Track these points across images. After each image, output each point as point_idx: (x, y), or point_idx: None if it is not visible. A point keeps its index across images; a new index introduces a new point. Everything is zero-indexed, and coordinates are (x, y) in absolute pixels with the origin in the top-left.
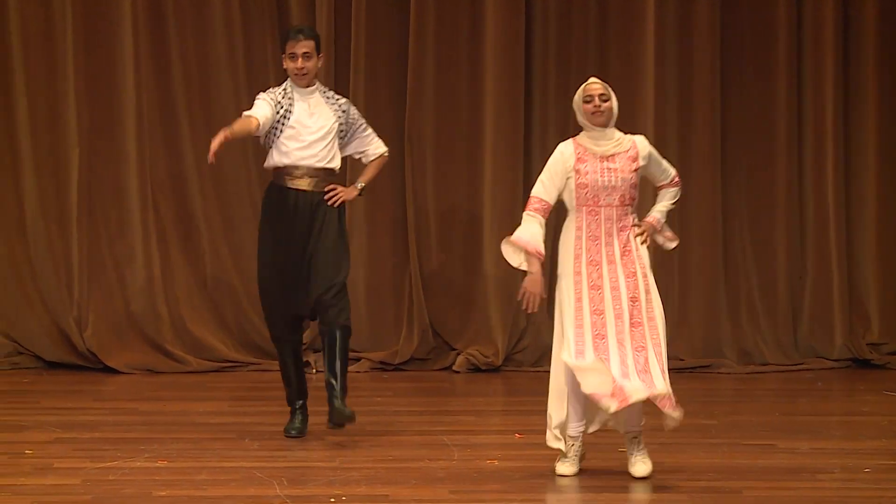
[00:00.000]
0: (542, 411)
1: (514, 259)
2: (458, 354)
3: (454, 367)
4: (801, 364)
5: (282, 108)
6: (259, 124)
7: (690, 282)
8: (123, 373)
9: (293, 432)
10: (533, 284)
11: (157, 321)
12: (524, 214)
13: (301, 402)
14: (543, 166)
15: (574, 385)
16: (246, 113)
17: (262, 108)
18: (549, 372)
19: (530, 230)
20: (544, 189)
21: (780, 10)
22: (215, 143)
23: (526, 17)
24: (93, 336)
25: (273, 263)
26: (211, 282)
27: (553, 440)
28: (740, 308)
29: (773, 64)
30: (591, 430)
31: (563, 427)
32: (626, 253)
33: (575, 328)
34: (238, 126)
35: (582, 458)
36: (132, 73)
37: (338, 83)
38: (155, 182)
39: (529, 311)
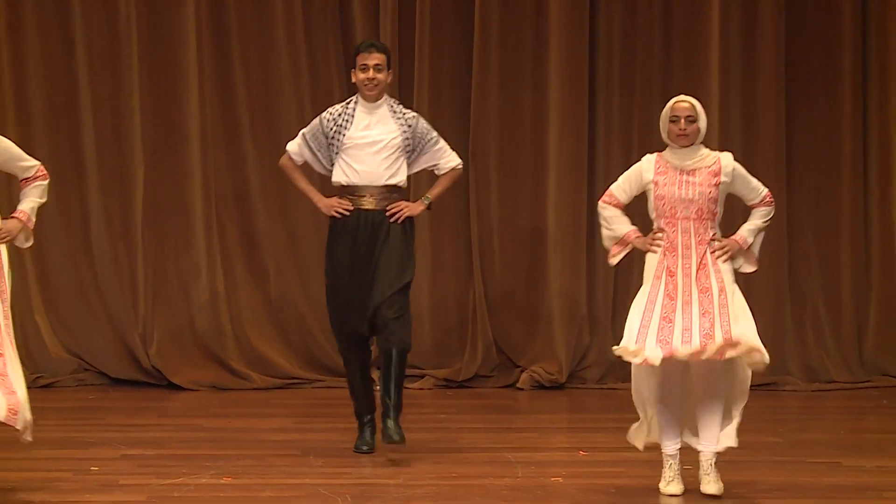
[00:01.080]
0: (607, 428)
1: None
2: (522, 371)
3: (518, 385)
4: (867, 381)
5: (335, 124)
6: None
7: (755, 298)
8: (188, 389)
9: (364, 448)
10: (640, 240)
11: (222, 338)
12: (600, 203)
13: (369, 416)
14: (607, 182)
15: (662, 400)
16: (291, 155)
17: (298, 150)
18: (613, 389)
19: (616, 215)
20: (619, 188)
21: (846, 25)
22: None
23: (590, 32)
24: (157, 353)
25: (339, 280)
26: (275, 298)
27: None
28: (805, 325)
29: (839, 79)
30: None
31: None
32: (702, 267)
33: (640, 327)
34: (303, 181)
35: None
36: (196, 91)
37: (402, 99)
38: (219, 199)
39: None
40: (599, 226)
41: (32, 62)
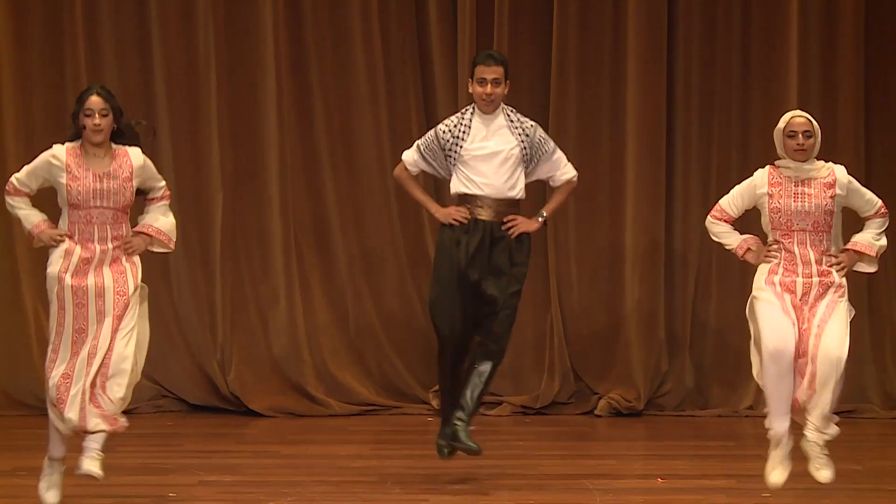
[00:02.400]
0: (685, 455)
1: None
2: (600, 398)
3: (596, 412)
4: None
5: (452, 136)
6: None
7: None
8: (266, 416)
9: (442, 442)
10: (752, 255)
11: (300, 364)
12: (708, 218)
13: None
14: (685, 207)
15: (774, 381)
16: (406, 165)
17: (413, 161)
18: (691, 416)
19: (726, 230)
20: (730, 202)
21: None
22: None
23: (668, 55)
24: (235, 379)
25: (446, 283)
26: (353, 325)
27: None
28: (885, 351)
29: None
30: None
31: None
32: (819, 279)
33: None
34: (419, 191)
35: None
36: (275, 117)
37: None
38: (298, 225)
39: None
40: (678, 252)
41: (112, 89)
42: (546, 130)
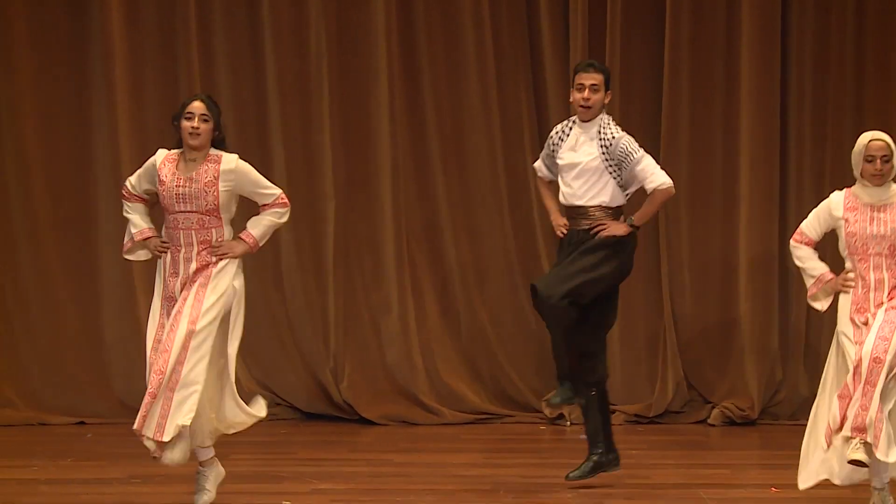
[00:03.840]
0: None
1: (821, 304)
2: (714, 407)
3: (709, 421)
4: None
5: (552, 143)
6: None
7: None
8: (379, 424)
9: (556, 399)
10: (832, 284)
11: (412, 372)
12: (791, 242)
13: (567, 382)
14: (799, 215)
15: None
16: (537, 171)
17: (539, 166)
18: (805, 425)
19: (807, 255)
20: (809, 225)
21: None
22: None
23: (782, 65)
24: (348, 387)
25: None
26: (465, 332)
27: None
28: None
29: None
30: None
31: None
32: (892, 303)
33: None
34: (547, 198)
35: None
36: (387, 125)
37: None
38: (410, 233)
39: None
40: (792, 261)
41: (225, 97)
42: (658, 137)
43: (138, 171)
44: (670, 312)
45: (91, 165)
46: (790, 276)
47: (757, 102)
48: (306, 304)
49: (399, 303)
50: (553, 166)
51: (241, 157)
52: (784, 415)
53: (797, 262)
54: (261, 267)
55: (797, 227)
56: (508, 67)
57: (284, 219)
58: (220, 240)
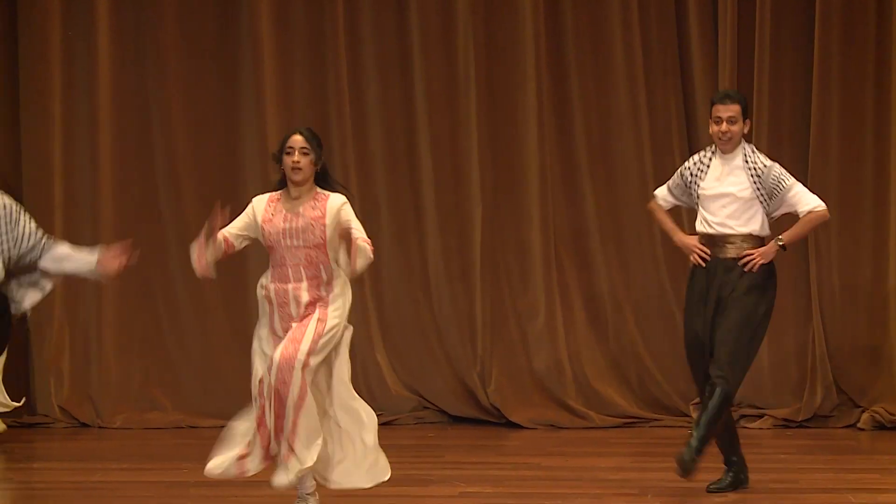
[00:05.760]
0: None
1: None
2: (863, 411)
3: (859, 425)
4: None
5: (690, 175)
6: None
7: None
8: (526, 427)
9: (711, 486)
10: None
11: (560, 376)
12: None
13: (732, 457)
14: None
15: None
16: (658, 200)
17: (663, 196)
18: None
19: None
20: None
21: None
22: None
23: None
24: (496, 391)
25: (691, 325)
26: (612, 336)
27: None
28: None
29: None
30: None
31: None
32: None
33: None
34: (667, 223)
35: None
36: (535, 130)
37: None
38: (557, 237)
39: None
40: None
41: (372, 102)
42: (807, 141)
43: (235, 221)
44: (819, 316)
45: (240, 170)
46: None
47: None
48: (453, 308)
49: (546, 307)
50: (683, 195)
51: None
52: None
53: None
54: (408, 271)
55: None
56: (657, 72)
57: (369, 258)
58: (329, 278)
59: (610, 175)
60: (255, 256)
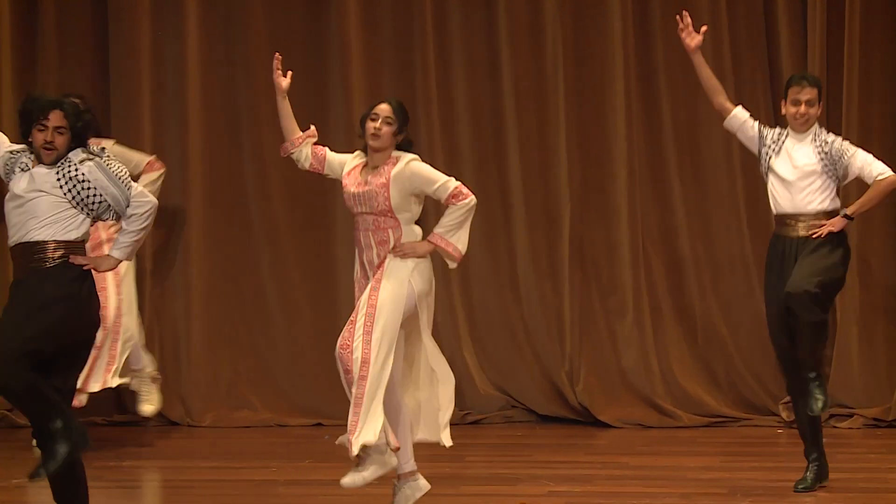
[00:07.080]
0: None
1: None
2: None
3: None
4: None
5: (765, 145)
6: None
7: None
8: (614, 427)
9: (799, 486)
10: None
11: (649, 375)
12: None
13: (813, 454)
14: None
15: None
16: (735, 112)
17: (743, 117)
18: None
19: None
20: None
21: None
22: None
23: None
24: (584, 390)
25: (771, 311)
26: (701, 335)
27: None
28: None
29: None
30: None
31: None
32: None
33: None
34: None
35: None
36: (624, 128)
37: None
38: (646, 236)
39: None
40: None
41: (460, 99)
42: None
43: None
44: None
45: None
46: None
47: None
48: (542, 307)
49: (635, 306)
50: (745, 134)
51: (421, 159)
52: None
53: None
54: (496, 269)
55: None
56: (745, 69)
57: (466, 210)
58: (397, 240)
59: (698, 173)
60: (342, 257)
